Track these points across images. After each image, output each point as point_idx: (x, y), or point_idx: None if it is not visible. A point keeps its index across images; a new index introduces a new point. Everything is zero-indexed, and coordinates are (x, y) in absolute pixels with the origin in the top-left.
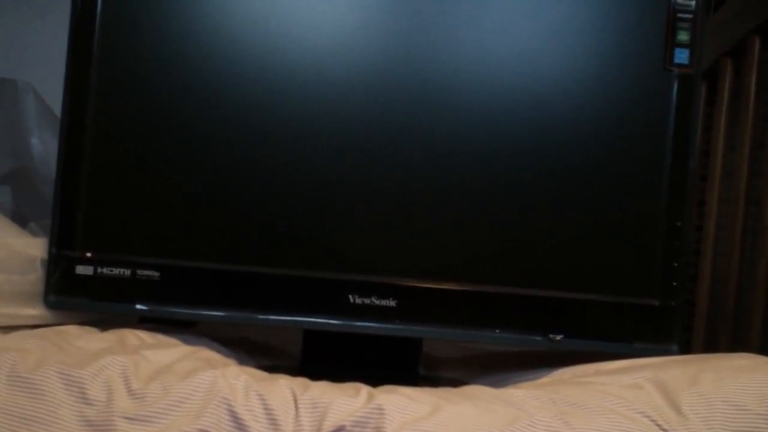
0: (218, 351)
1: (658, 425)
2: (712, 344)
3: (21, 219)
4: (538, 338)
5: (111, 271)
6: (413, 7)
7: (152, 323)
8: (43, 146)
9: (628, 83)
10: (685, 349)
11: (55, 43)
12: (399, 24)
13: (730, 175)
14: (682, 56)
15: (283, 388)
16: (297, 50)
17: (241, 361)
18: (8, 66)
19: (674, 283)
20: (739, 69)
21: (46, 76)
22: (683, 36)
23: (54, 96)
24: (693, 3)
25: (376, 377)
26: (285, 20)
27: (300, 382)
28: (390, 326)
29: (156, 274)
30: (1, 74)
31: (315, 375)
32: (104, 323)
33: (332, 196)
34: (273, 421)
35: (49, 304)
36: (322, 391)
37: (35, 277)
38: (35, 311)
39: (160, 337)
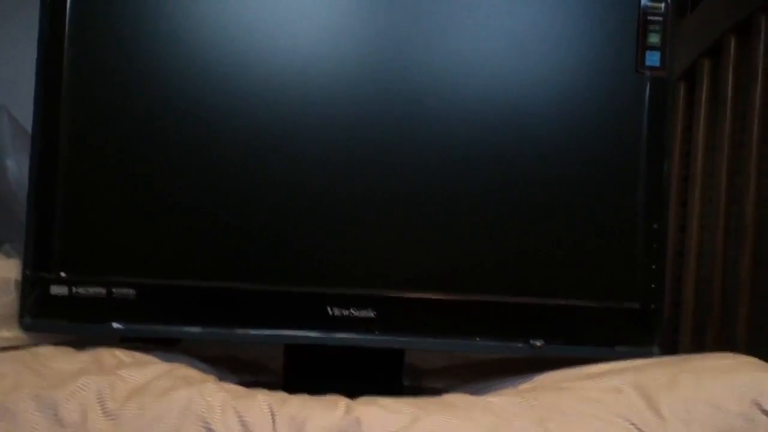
0: (198, 368)
1: (638, 429)
2: (700, 345)
3: None
4: (520, 345)
5: (86, 290)
6: (394, 20)
7: (134, 342)
8: (18, 168)
9: (601, 88)
10: (672, 350)
11: (27, 64)
12: (383, 37)
13: (711, 175)
14: (653, 59)
15: (260, 403)
16: (277, 57)
17: (223, 378)
18: None
19: (653, 286)
20: (716, 69)
21: (20, 98)
22: (654, 38)
23: (29, 118)
24: (663, 5)
25: (358, 389)
26: (268, 31)
27: (278, 397)
28: (370, 337)
29: (132, 292)
30: None
31: (297, 389)
32: (82, 343)
33: (308, 208)
34: None
35: (25, 326)
36: (300, 405)
37: (10, 299)
38: (10, 333)
39: (138, 356)
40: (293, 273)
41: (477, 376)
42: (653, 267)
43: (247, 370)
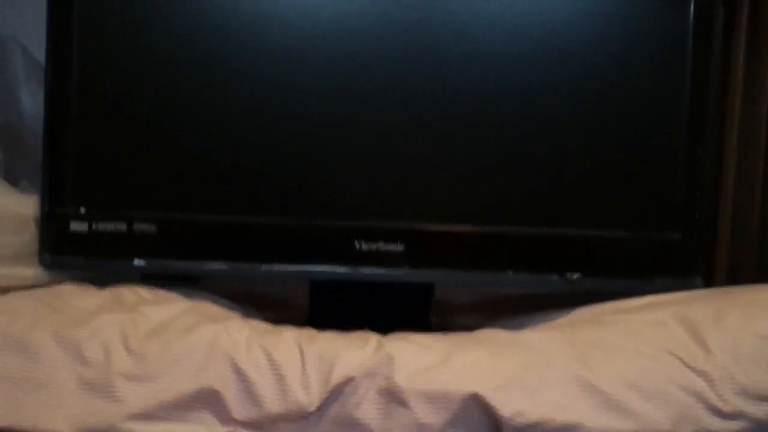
0: (221, 305)
1: (683, 362)
2: (735, 277)
3: (12, 177)
4: (554, 278)
5: (106, 226)
6: None
7: (154, 280)
8: (33, 101)
9: (645, 7)
10: (708, 282)
11: None
12: None
13: (750, 101)
14: None
15: (288, 340)
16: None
17: (246, 315)
18: None
19: (696, 215)
20: None
21: (32, 30)
22: None
23: (43, 50)
24: None
25: (385, 326)
26: None
27: (306, 334)
28: (398, 272)
29: (153, 227)
30: None
31: (323, 326)
32: (102, 281)
33: (334, 139)
34: (279, 375)
35: (44, 264)
36: (329, 342)
37: (28, 236)
38: (30, 271)
39: (160, 293)
40: (319, 206)
41: (508, 312)
42: (696, 194)
43: (270, 308)
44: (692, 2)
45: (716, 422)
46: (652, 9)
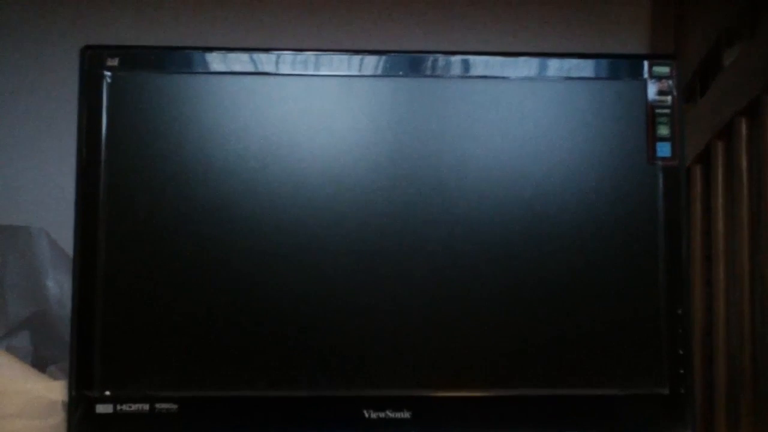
0: None
1: None
2: (735, 425)
3: (41, 363)
4: None
5: (130, 407)
6: (407, 119)
7: None
8: (59, 288)
9: (617, 181)
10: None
11: (62, 185)
12: (397, 137)
13: (733, 252)
14: (664, 150)
15: None
16: (297, 166)
17: None
18: (21, 213)
19: (681, 371)
20: (729, 150)
21: (56, 219)
22: (663, 130)
23: (67, 238)
24: (669, 98)
25: None
26: (289, 141)
27: None
28: None
29: (174, 407)
30: (15, 221)
31: None
32: None
33: (339, 313)
34: None
35: None
36: None
37: (56, 420)
38: None
39: None
40: (329, 378)
41: None
42: (680, 352)
43: None
44: (661, 171)
45: None
46: (624, 180)
